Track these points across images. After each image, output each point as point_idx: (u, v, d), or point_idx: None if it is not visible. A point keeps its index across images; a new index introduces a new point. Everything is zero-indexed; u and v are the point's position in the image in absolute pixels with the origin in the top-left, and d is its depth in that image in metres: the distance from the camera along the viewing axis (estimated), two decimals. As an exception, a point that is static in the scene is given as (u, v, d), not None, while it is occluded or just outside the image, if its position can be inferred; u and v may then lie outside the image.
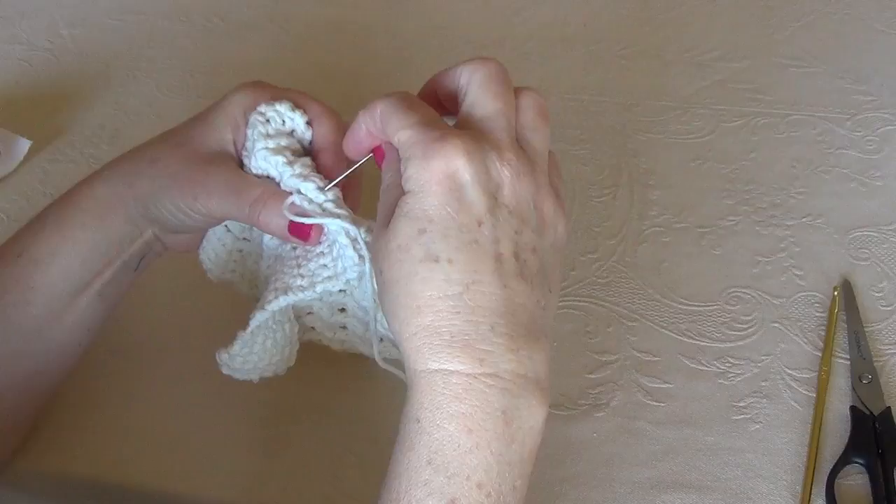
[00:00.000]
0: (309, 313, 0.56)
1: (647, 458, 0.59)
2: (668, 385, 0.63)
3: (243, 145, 0.54)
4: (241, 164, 0.54)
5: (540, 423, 0.43)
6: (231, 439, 0.61)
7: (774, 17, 0.93)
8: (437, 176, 0.42)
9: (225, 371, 0.54)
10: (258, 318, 0.52)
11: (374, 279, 0.48)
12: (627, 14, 0.94)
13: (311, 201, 0.50)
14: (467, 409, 0.41)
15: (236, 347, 0.53)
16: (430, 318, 0.42)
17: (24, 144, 0.80)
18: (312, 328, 0.57)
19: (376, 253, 0.45)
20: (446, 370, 0.42)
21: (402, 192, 0.44)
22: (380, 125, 0.46)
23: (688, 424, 0.61)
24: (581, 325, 0.66)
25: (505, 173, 0.43)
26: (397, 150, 0.45)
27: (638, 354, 0.65)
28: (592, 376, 0.63)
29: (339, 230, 0.50)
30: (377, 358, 0.51)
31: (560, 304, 0.68)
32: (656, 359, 0.64)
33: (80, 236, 0.54)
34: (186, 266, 0.61)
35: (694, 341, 0.65)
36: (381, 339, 0.53)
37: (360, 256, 0.50)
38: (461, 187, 0.42)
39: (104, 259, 0.55)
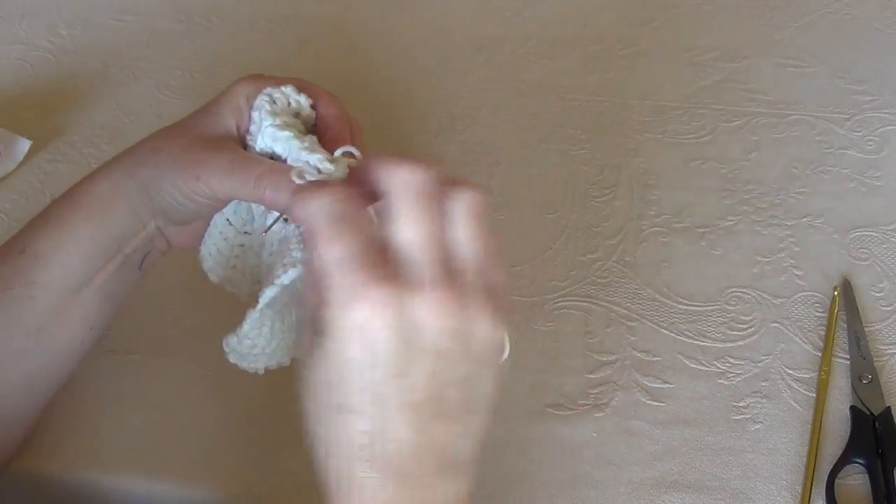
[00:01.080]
0: None
1: (647, 458, 0.59)
2: (668, 385, 0.63)
3: (247, 129, 0.54)
4: (245, 146, 0.54)
5: None
6: (231, 439, 0.61)
7: (774, 17, 0.93)
8: (353, 332, 0.40)
9: (232, 359, 0.53)
10: (268, 293, 0.50)
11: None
12: (627, 14, 0.94)
13: (320, 172, 0.50)
14: None
15: (246, 327, 0.51)
16: (339, 463, 0.42)
17: (24, 144, 0.80)
18: None
19: (298, 376, 0.44)
20: None
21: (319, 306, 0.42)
22: (305, 225, 0.42)
23: (688, 424, 0.61)
24: (581, 325, 0.66)
25: (426, 317, 0.40)
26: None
27: (638, 354, 0.65)
28: (592, 376, 0.63)
29: None
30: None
31: (560, 304, 0.68)
32: (656, 359, 0.64)
33: (82, 231, 0.54)
34: (187, 266, 0.61)
35: (694, 341, 0.65)
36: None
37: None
38: (377, 342, 0.40)
39: (106, 254, 0.55)
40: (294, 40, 0.93)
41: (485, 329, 0.42)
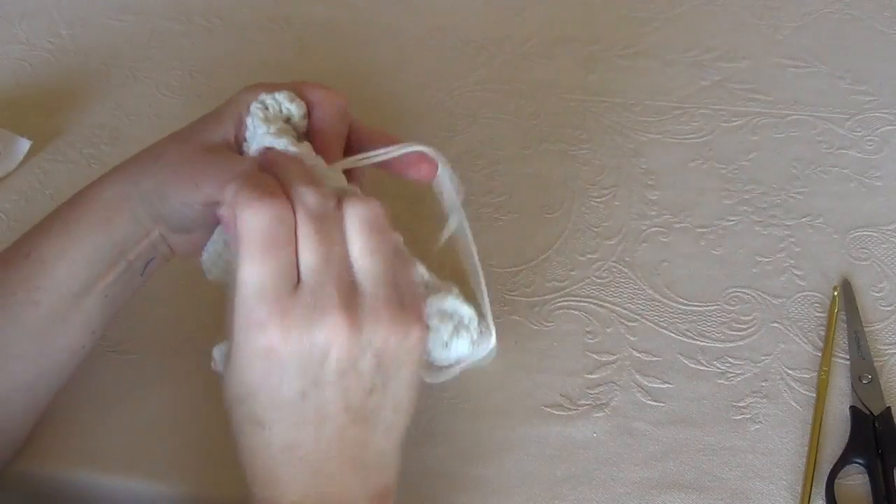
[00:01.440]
0: None
1: (647, 458, 0.59)
2: (668, 385, 0.63)
3: (243, 136, 0.55)
4: (242, 152, 0.55)
5: None
6: (229, 438, 0.61)
7: (774, 17, 0.93)
8: (258, 352, 0.42)
9: (220, 368, 0.54)
10: None
11: None
12: (627, 14, 0.94)
13: None
14: None
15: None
16: (255, 471, 0.45)
17: (24, 144, 0.80)
18: None
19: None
20: None
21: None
22: (234, 231, 0.44)
23: (688, 424, 0.61)
24: (581, 325, 0.66)
25: (332, 338, 0.42)
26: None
27: (638, 354, 0.65)
28: (592, 376, 0.63)
29: None
30: None
31: (560, 304, 0.68)
32: (656, 359, 0.64)
33: (87, 237, 0.54)
34: (187, 267, 0.61)
35: (694, 341, 0.65)
36: None
37: None
38: (282, 363, 0.42)
39: (109, 260, 0.55)
40: (294, 40, 0.93)
41: (398, 339, 0.44)
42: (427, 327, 0.47)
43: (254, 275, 0.42)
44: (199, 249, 0.58)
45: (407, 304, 0.45)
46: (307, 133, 0.55)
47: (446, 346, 0.49)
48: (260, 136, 0.53)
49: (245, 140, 0.55)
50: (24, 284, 0.54)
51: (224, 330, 0.45)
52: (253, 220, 0.43)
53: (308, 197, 0.44)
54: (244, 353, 0.43)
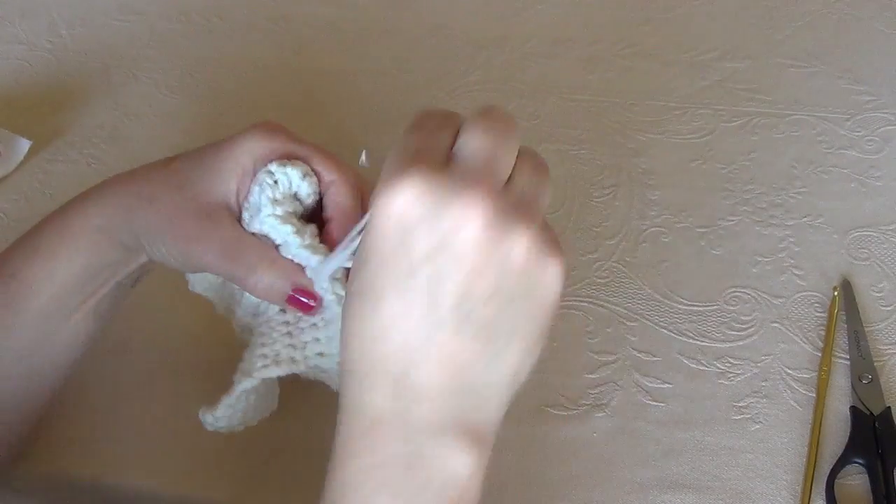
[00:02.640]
0: (319, 354, 0.53)
1: (647, 458, 0.59)
2: (668, 385, 0.63)
3: (246, 198, 0.52)
4: (240, 217, 0.52)
5: (462, 472, 0.41)
6: (230, 439, 0.61)
7: (774, 17, 0.93)
8: (386, 210, 0.39)
9: (209, 428, 0.53)
10: (245, 384, 0.51)
11: None
12: (627, 14, 0.94)
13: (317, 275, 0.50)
14: (365, 451, 0.41)
15: (220, 410, 0.52)
16: (353, 355, 0.41)
17: (24, 144, 0.80)
18: (322, 371, 0.55)
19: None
20: (352, 408, 0.41)
21: None
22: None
23: (688, 424, 0.61)
24: (581, 325, 0.66)
25: (470, 215, 0.39)
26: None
27: (638, 354, 0.65)
28: (592, 376, 0.63)
29: (334, 301, 0.49)
30: None
31: (560, 303, 0.67)
32: (656, 359, 0.64)
33: (75, 261, 0.53)
34: (186, 266, 0.61)
35: (694, 341, 0.65)
36: None
37: None
38: (406, 227, 0.39)
39: (98, 281, 0.54)
40: (294, 41, 0.93)
41: (530, 257, 0.40)
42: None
43: (409, 140, 0.41)
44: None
45: (554, 243, 0.41)
46: (315, 209, 0.53)
47: None
48: (263, 216, 0.50)
49: (248, 202, 0.52)
50: (9, 307, 0.52)
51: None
52: (419, 115, 0.42)
53: (489, 107, 0.43)
54: (374, 211, 0.40)
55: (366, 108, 0.85)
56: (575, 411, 0.62)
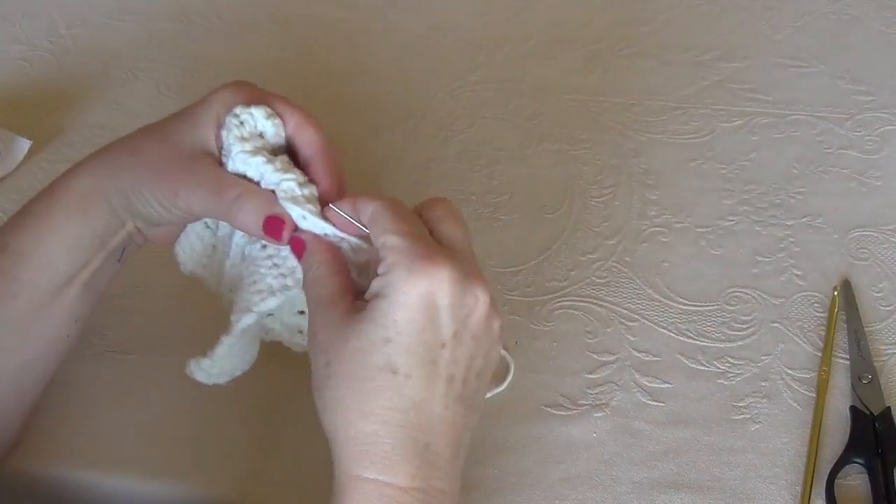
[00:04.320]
0: (270, 314, 0.56)
1: (647, 458, 0.59)
2: (667, 385, 0.63)
3: (221, 144, 0.54)
4: (221, 162, 0.54)
5: None
6: (229, 438, 0.61)
7: (774, 17, 0.93)
8: (420, 291, 0.43)
9: (199, 378, 0.54)
10: (245, 320, 0.52)
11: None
12: (627, 14, 0.94)
13: (293, 197, 0.51)
14: None
15: (219, 351, 0.53)
16: (374, 427, 0.44)
17: (24, 144, 0.80)
18: (272, 329, 0.57)
19: (324, 343, 0.46)
20: (381, 481, 0.44)
21: (340, 287, 0.47)
22: (366, 219, 0.48)
23: (688, 424, 0.61)
24: (581, 325, 0.66)
25: (477, 303, 0.45)
26: (331, 252, 0.49)
27: (638, 354, 0.65)
28: (592, 376, 0.63)
29: (311, 226, 0.50)
30: None
31: (560, 304, 0.68)
32: (656, 359, 0.64)
33: (65, 228, 0.54)
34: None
35: (694, 341, 0.65)
36: None
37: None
38: (437, 308, 0.44)
39: (89, 250, 0.55)
40: (294, 40, 0.93)
41: (499, 330, 0.47)
42: None
43: (404, 230, 0.45)
44: (171, 239, 0.59)
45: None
46: (291, 153, 0.55)
47: None
48: (234, 153, 0.52)
49: (223, 151, 0.54)
50: (3, 278, 0.54)
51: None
52: (386, 200, 0.47)
53: (439, 199, 0.50)
54: (402, 293, 0.43)
55: (366, 108, 0.85)
56: (575, 411, 0.62)
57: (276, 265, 0.52)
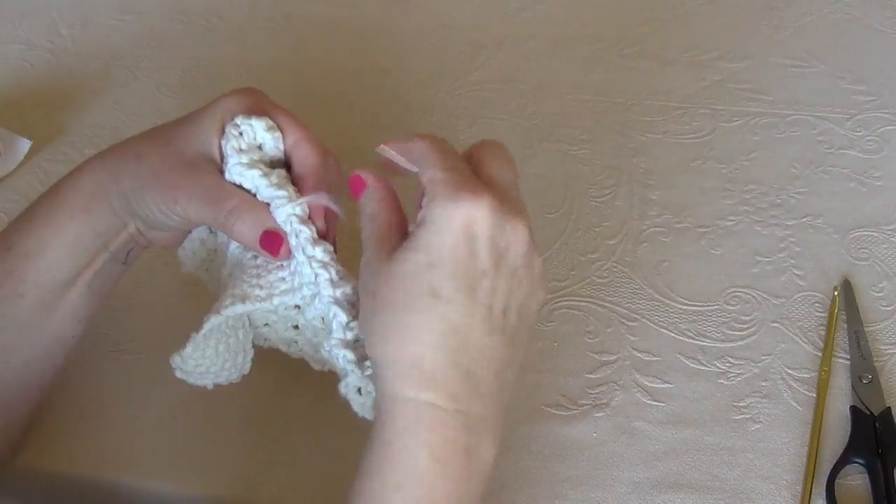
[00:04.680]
0: (266, 325, 0.56)
1: (647, 458, 0.59)
2: (668, 385, 0.63)
3: (223, 152, 0.54)
4: (223, 170, 0.54)
5: (490, 465, 0.46)
6: (230, 438, 0.61)
7: (774, 17, 0.93)
8: (460, 220, 0.44)
9: (178, 375, 0.54)
10: (212, 321, 0.52)
11: (341, 306, 0.50)
12: (627, 14, 0.94)
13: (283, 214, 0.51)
14: (438, 440, 0.44)
15: (189, 349, 0.53)
16: (417, 349, 0.44)
17: (24, 144, 0.80)
18: (269, 338, 0.57)
19: (371, 275, 0.46)
20: (423, 401, 0.44)
21: (395, 224, 0.48)
22: (413, 157, 0.49)
23: (688, 424, 0.61)
24: (581, 325, 0.66)
25: (517, 237, 0.46)
26: (389, 190, 0.49)
27: (638, 354, 0.65)
28: (592, 376, 0.63)
29: (297, 247, 0.51)
30: (343, 391, 0.52)
31: (560, 304, 0.68)
32: (656, 359, 0.64)
33: (68, 228, 0.55)
34: (186, 266, 0.61)
35: (694, 341, 0.65)
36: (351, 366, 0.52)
37: (316, 275, 0.50)
38: (477, 238, 0.45)
39: (91, 250, 0.55)
40: (294, 40, 0.93)
41: (540, 277, 0.48)
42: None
43: (448, 165, 0.46)
44: (175, 243, 0.59)
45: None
46: (283, 163, 0.55)
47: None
48: (231, 164, 0.53)
49: (223, 159, 0.54)
50: (8, 278, 0.54)
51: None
52: (434, 140, 0.48)
53: (494, 142, 0.50)
54: (444, 220, 0.44)
55: (366, 108, 0.85)
56: (575, 411, 0.62)
57: (257, 275, 0.53)
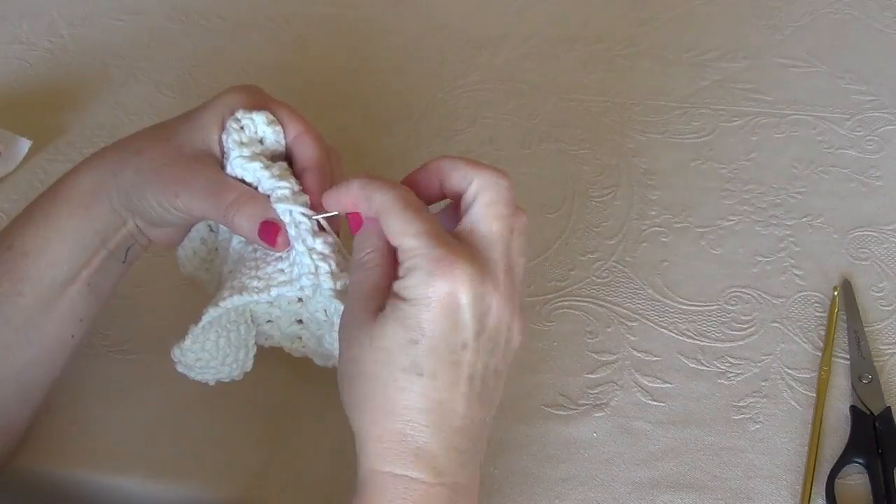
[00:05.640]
0: (269, 321, 0.56)
1: (647, 458, 0.59)
2: (667, 385, 0.63)
3: (224, 147, 0.54)
4: (223, 165, 0.54)
5: None
6: (230, 437, 0.61)
7: (774, 17, 0.93)
8: (439, 294, 0.43)
9: (179, 369, 0.54)
10: (211, 313, 0.52)
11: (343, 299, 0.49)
12: (627, 14, 0.94)
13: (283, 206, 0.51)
14: None
15: (188, 342, 0.53)
16: (400, 426, 0.44)
17: (24, 144, 0.80)
18: (272, 336, 0.57)
19: (352, 340, 0.46)
20: (408, 477, 0.44)
21: (379, 282, 0.46)
22: (379, 220, 0.46)
23: (688, 424, 0.61)
24: (581, 325, 0.66)
25: (495, 301, 0.45)
26: (383, 239, 0.47)
27: (638, 354, 0.65)
28: (592, 376, 0.63)
29: (297, 237, 0.50)
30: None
31: (560, 304, 0.68)
32: (656, 359, 0.64)
33: (67, 226, 0.55)
34: (186, 266, 0.61)
35: (694, 341, 0.65)
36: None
37: (316, 267, 0.50)
38: (458, 309, 0.44)
39: (90, 248, 0.55)
40: (294, 40, 0.93)
41: (518, 330, 0.47)
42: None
43: (421, 230, 0.44)
44: (174, 242, 0.59)
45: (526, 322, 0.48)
46: (284, 157, 0.55)
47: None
48: (232, 158, 0.53)
49: (225, 154, 0.54)
50: (7, 276, 0.54)
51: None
52: (393, 192, 0.46)
53: (498, 177, 0.47)
54: (423, 297, 0.44)
55: (366, 108, 0.85)
56: (575, 411, 0.62)
57: (256, 267, 0.53)
